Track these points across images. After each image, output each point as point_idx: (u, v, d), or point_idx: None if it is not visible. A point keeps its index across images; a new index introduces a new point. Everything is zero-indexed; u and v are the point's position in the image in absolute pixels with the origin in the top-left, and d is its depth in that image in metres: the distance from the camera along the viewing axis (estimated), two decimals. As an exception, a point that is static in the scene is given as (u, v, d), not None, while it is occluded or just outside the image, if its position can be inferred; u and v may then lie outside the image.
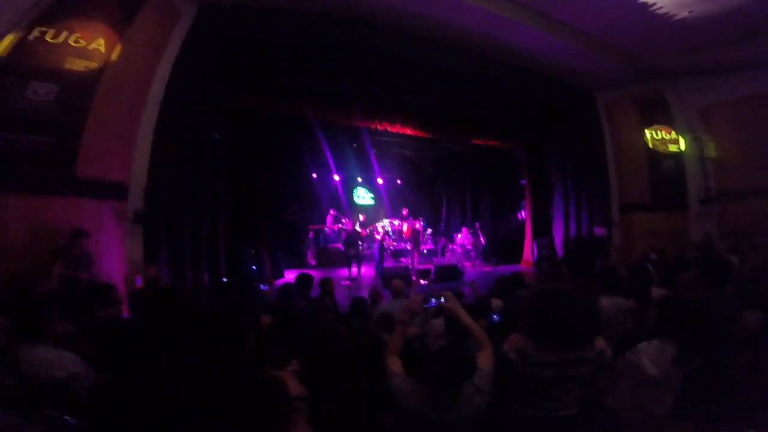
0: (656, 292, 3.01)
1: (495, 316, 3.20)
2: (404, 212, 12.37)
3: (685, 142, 8.96)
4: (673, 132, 9.09)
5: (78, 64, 5.05)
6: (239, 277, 7.12)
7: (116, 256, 5.44)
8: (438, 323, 3.20)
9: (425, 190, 16.12)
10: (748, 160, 8.21)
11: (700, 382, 1.90)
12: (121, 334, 1.99)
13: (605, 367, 1.83)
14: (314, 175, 13.38)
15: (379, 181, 14.49)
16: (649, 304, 2.78)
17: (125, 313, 3.24)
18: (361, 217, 11.81)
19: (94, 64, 5.16)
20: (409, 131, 9.65)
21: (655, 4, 6.24)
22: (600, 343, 1.83)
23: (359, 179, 14.56)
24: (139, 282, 5.24)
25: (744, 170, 8.27)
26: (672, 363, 1.85)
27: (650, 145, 9.20)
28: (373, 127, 9.31)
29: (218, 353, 1.27)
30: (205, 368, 1.18)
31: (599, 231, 9.45)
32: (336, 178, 13.54)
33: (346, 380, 1.80)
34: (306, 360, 1.74)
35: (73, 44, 5.00)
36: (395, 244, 11.91)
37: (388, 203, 14.43)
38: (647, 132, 9.19)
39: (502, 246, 12.42)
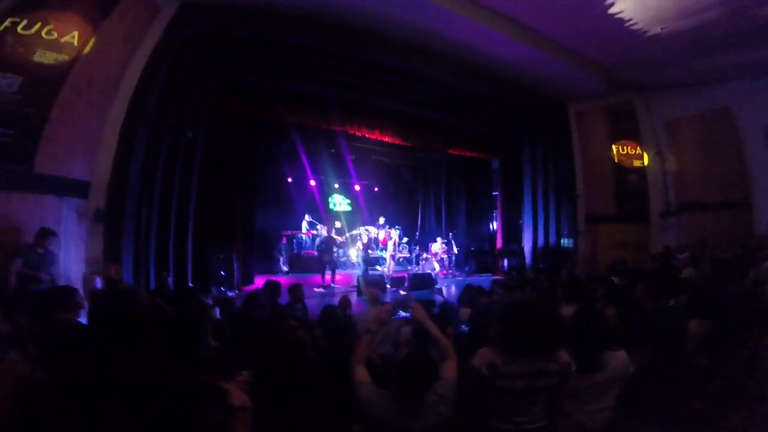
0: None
1: (464, 327, 3.24)
2: (381, 220, 12.43)
3: (649, 158, 9.37)
4: (638, 147, 9.51)
5: (47, 57, 4.89)
6: (185, 285, 6.85)
7: (76, 256, 5.23)
8: (406, 331, 3.21)
9: (402, 198, 16.23)
10: (708, 173, 8.62)
11: (653, 386, 2.00)
12: (71, 337, 1.90)
13: (569, 378, 1.88)
14: (289, 180, 13.24)
15: (357, 187, 14.48)
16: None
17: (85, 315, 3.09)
18: (337, 224, 11.75)
19: (64, 57, 5.01)
20: (387, 138, 9.72)
21: (630, 19, 6.54)
22: (564, 355, 1.87)
23: (336, 185, 14.48)
24: (98, 282, 5.03)
25: (704, 184, 8.66)
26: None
27: (616, 160, 9.59)
28: (351, 132, 9.31)
29: (165, 359, 1.24)
30: (145, 374, 1.15)
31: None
32: (312, 183, 13.43)
33: (308, 388, 1.78)
34: (265, 367, 1.71)
35: (45, 36, 4.84)
36: (371, 251, 11.90)
37: (366, 210, 14.40)
38: (614, 147, 9.58)
39: (476, 255, 12.63)
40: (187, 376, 1.21)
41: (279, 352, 1.74)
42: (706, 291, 2.64)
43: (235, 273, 7.87)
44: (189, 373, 1.23)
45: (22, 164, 4.74)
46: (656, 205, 9.22)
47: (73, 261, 5.16)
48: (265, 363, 1.75)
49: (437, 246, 11.93)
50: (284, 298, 4.56)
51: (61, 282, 4.60)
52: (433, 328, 2.11)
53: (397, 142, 10.02)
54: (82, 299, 2.72)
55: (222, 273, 7.55)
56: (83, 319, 2.81)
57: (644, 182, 9.45)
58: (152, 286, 5.93)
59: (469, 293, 4.42)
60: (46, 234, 4.57)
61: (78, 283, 5.01)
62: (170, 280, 6.20)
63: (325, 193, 14.33)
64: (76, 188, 5.26)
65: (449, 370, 1.91)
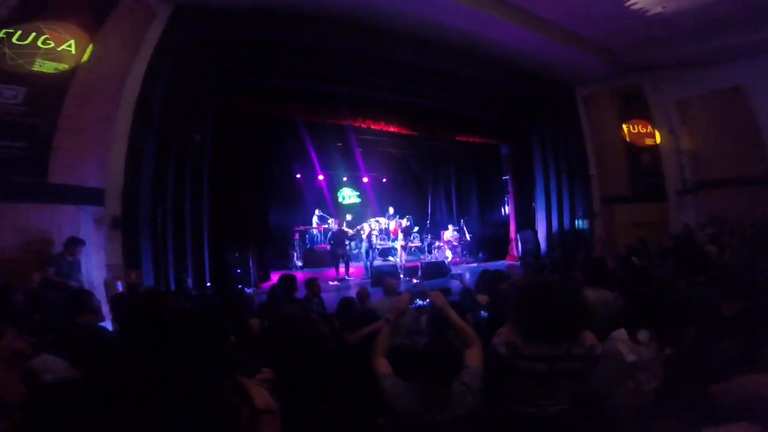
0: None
1: (483, 313, 3.20)
2: (390, 210, 12.38)
3: (661, 136, 9.18)
4: (649, 126, 9.32)
5: (47, 66, 4.89)
6: (224, 281, 6.99)
7: (96, 262, 5.31)
8: (426, 321, 3.18)
9: (411, 188, 16.15)
10: (724, 151, 8.46)
11: (682, 370, 1.94)
12: (92, 339, 1.93)
13: (595, 362, 1.82)
14: (298, 176, 13.27)
15: (365, 180, 14.44)
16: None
17: (108, 318, 3.15)
18: (347, 217, 11.76)
19: (64, 66, 5.01)
20: (393, 129, 9.65)
21: (630, -1, 6.38)
22: (590, 338, 1.81)
23: (344, 179, 14.46)
24: (120, 287, 5.11)
25: (720, 161, 8.52)
26: (648, 350, 1.89)
27: (627, 139, 9.42)
28: (357, 125, 9.26)
29: (192, 359, 1.22)
30: (167, 375, 1.14)
31: None
32: (320, 177, 13.43)
33: (333, 383, 1.76)
34: (289, 364, 1.70)
35: (42, 46, 4.84)
36: (382, 242, 11.89)
37: (375, 202, 14.36)
38: (624, 126, 9.41)
39: (489, 241, 12.53)
40: (211, 378, 1.19)
41: (303, 347, 1.72)
42: (740, 270, 2.52)
43: (252, 270, 7.95)
44: (212, 374, 1.20)
45: (36, 176, 4.78)
46: (672, 183, 9.09)
47: (94, 267, 5.24)
48: (289, 359, 1.73)
49: (449, 233, 11.86)
50: (300, 293, 4.59)
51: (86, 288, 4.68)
52: (455, 316, 2.04)
53: (403, 132, 9.96)
54: (98, 302, 2.77)
55: (239, 271, 7.63)
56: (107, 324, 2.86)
57: (658, 161, 9.31)
58: (172, 287, 6.02)
59: (485, 279, 4.36)
60: (76, 242, 4.66)
61: (100, 289, 5.10)
62: (189, 280, 6.29)
63: (334, 187, 14.33)
64: (92, 196, 5.31)
65: (474, 357, 1.85)
